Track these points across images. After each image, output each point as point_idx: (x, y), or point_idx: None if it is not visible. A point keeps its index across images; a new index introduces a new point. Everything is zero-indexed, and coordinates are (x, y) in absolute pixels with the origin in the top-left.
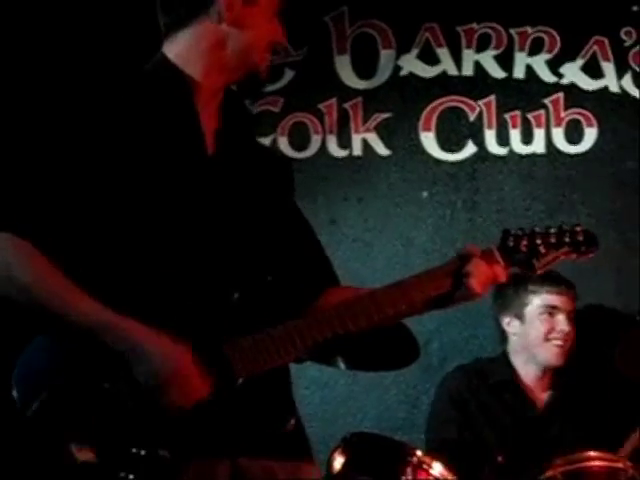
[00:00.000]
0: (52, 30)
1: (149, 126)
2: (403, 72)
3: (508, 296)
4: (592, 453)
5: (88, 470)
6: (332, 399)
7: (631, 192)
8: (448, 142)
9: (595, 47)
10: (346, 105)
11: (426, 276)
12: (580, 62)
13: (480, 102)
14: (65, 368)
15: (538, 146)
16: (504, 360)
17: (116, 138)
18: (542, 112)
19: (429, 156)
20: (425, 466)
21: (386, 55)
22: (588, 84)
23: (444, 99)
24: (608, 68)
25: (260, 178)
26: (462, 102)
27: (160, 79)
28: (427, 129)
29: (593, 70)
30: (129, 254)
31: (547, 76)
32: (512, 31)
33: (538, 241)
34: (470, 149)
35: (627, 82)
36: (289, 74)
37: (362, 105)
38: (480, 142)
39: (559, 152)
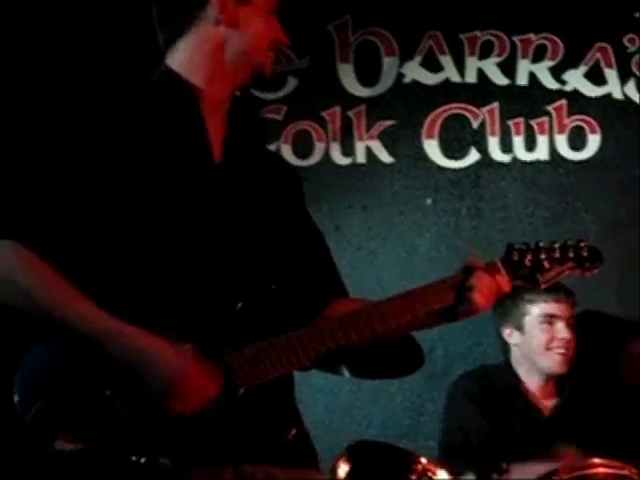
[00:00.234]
0: (60, 39)
1: (155, 137)
2: (406, 80)
3: (507, 307)
4: (597, 460)
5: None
6: (337, 407)
7: (635, 198)
8: (451, 149)
9: (598, 54)
10: (349, 113)
11: (430, 289)
12: (583, 69)
13: (483, 109)
14: (65, 374)
15: (541, 153)
16: (508, 368)
17: (122, 149)
18: (545, 119)
19: (433, 163)
20: (430, 473)
21: (389, 63)
22: (591, 91)
23: (447, 106)
24: (611, 75)
25: (269, 186)
26: (465, 109)
27: (165, 90)
28: (430, 136)
29: (596, 77)
30: (134, 263)
31: (550, 83)
32: (515, 38)
33: (542, 256)
34: (474, 156)
35: (630, 89)
36: (292, 82)
37: (365, 113)
38: (483, 149)
39: (562, 159)
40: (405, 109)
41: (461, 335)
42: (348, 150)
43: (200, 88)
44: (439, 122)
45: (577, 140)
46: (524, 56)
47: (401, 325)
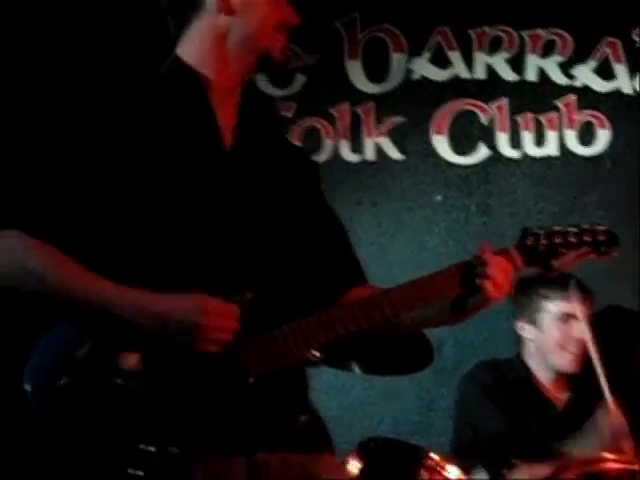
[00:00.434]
0: (71, 32)
1: (165, 126)
2: (415, 76)
3: (522, 300)
4: (607, 454)
5: (98, 467)
6: (348, 404)
7: None
8: (461, 145)
9: (607, 49)
10: (358, 109)
11: (440, 274)
12: (592, 64)
13: (492, 105)
14: (77, 363)
15: (551, 148)
16: (520, 361)
17: (130, 137)
18: (555, 114)
19: (442, 160)
20: (440, 469)
21: (398, 59)
22: (601, 86)
23: (456, 102)
24: (620, 70)
25: (283, 172)
26: (474, 105)
27: (174, 80)
28: (440, 132)
29: (605, 72)
30: (143, 252)
31: (559, 78)
32: (524, 33)
33: (557, 240)
34: (483, 152)
35: None
36: (301, 79)
37: (374, 109)
38: (493, 145)
39: (572, 154)
40: (414, 105)
41: (471, 331)
42: (357, 147)
43: (208, 77)
44: (448, 118)
45: (587, 135)
46: (533, 51)
47: (412, 310)
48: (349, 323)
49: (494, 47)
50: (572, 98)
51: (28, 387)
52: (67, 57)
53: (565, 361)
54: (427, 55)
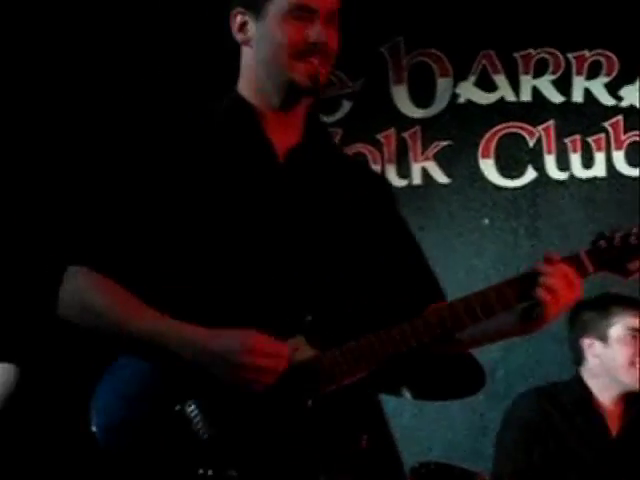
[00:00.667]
0: (135, 69)
1: (225, 160)
2: (461, 100)
3: (590, 316)
4: None
5: None
6: (399, 429)
7: None
8: (508, 168)
9: None
10: (404, 134)
11: (505, 284)
12: (639, 84)
13: (539, 127)
14: (141, 399)
15: (599, 170)
16: (579, 382)
17: (187, 170)
18: (602, 135)
19: (489, 183)
20: None
21: (443, 83)
22: None
23: (503, 125)
24: None
25: (347, 195)
26: (521, 128)
27: (230, 113)
28: (486, 156)
29: None
30: (200, 279)
31: (606, 99)
32: (569, 55)
33: (634, 241)
34: (530, 175)
35: None
36: (347, 105)
37: (420, 134)
38: (540, 167)
39: (620, 175)
40: (460, 129)
41: (522, 354)
42: (404, 171)
43: (258, 107)
44: (495, 141)
45: (634, 156)
46: (579, 73)
47: (475, 322)
48: (410, 338)
49: (540, 69)
50: (619, 119)
51: (95, 427)
52: (137, 96)
53: (635, 379)
54: (472, 79)
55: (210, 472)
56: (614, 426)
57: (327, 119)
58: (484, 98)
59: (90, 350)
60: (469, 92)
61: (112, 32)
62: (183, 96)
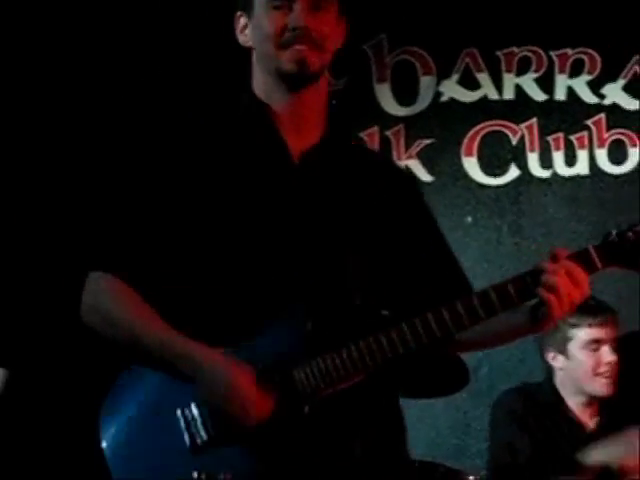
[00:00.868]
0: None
1: (237, 159)
2: (444, 98)
3: (550, 330)
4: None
5: None
6: None
7: None
8: (491, 166)
9: (636, 67)
10: (388, 133)
11: (506, 282)
12: (621, 82)
13: (522, 125)
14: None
15: (582, 168)
16: (550, 387)
17: (205, 173)
18: (585, 133)
19: (472, 181)
20: None
21: (426, 81)
22: (630, 104)
23: (486, 123)
24: None
25: (368, 191)
26: (504, 126)
27: (246, 112)
28: (469, 154)
29: (635, 90)
30: (218, 281)
31: (589, 97)
32: (552, 53)
33: None
34: (513, 173)
35: None
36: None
37: (404, 132)
38: (523, 165)
39: (603, 173)
40: (443, 127)
41: (506, 353)
42: None
43: (269, 104)
44: (478, 139)
45: (617, 154)
46: (562, 71)
47: (478, 322)
48: (409, 340)
49: (522, 68)
50: (602, 117)
51: (105, 445)
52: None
53: (599, 386)
54: (455, 77)
55: (203, 476)
56: (587, 426)
57: None
58: (467, 96)
59: (101, 356)
60: (452, 90)
61: (131, 32)
62: (198, 96)
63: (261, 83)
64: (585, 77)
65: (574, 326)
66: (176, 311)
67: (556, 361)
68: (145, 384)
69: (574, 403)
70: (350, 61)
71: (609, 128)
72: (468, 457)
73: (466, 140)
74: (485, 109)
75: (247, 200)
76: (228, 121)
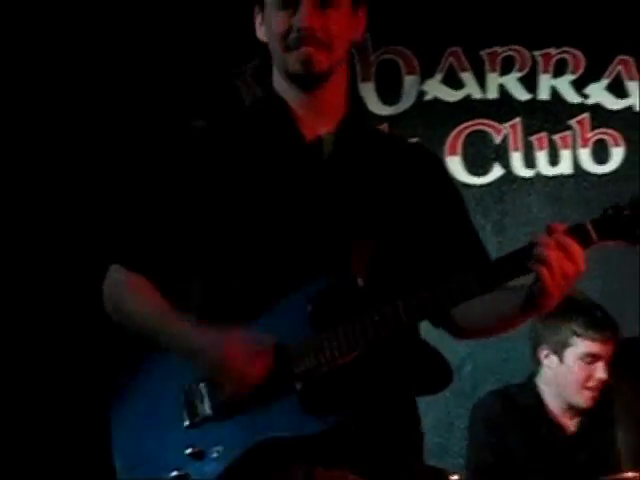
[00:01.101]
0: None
1: (257, 156)
2: (428, 97)
3: (551, 328)
4: (630, 474)
5: None
6: None
7: None
8: (475, 166)
9: (619, 66)
10: None
11: (501, 258)
12: (605, 82)
13: (506, 125)
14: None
15: (565, 167)
16: (531, 387)
17: (225, 170)
18: (568, 133)
19: (456, 180)
20: None
21: (410, 80)
22: (613, 104)
23: (469, 123)
24: (633, 87)
25: (388, 178)
26: (487, 125)
27: (266, 107)
28: (453, 153)
29: (618, 90)
30: (240, 274)
31: (572, 97)
32: (536, 53)
33: None
34: (497, 172)
35: None
36: None
37: (388, 131)
38: (507, 165)
39: (586, 173)
40: (427, 126)
41: (489, 352)
42: None
43: (287, 100)
44: (461, 139)
45: (600, 153)
46: (545, 71)
47: (472, 297)
48: (401, 315)
49: (506, 67)
50: (585, 116)
51: (118, 464)
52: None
53: (583, 399)
54: (439, 76)
55: (196, 450)
56: (567, 427)
57: None
58: (451, 95)
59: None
60: (436, 89)
61: (144, 32)
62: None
63: (278, 79)
64: (569, 77)
65: (577, 335)
66: (198, 301)
67: (548, 360)
68: (156, 368)
69: (555, 405)
70: None
71: (593, 128)
72: (451, 456)
73: (450, 139)
74: (469, 108)
75: (266, 194)
76: (247, 114)
